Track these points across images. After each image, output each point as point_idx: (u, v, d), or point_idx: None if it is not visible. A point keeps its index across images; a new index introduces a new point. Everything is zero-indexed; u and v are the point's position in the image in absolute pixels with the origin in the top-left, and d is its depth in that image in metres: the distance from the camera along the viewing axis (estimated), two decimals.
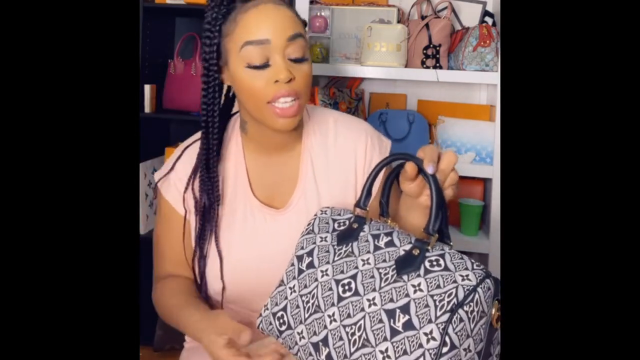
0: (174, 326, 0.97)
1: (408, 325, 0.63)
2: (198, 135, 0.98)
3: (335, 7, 1.79)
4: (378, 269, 0.70)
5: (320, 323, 0.70)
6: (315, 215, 0.82)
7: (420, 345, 0.62)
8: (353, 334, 0.67)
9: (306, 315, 0.72)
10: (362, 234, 0.75)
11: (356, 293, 0.69)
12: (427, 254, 0.68)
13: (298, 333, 0.73)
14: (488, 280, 0.64)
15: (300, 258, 0.78)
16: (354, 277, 0.70)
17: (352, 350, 0.66)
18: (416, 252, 0.68)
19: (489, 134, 1.71)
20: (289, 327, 0.74)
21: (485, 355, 0.65)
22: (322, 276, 0.73)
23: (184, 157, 0.98)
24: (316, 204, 0.94)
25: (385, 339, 0.64)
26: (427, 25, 1.69)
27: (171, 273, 0.99)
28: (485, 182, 1.80)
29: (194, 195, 0.95)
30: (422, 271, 0.66)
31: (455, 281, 0.64)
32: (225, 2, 0.88)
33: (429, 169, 0.71)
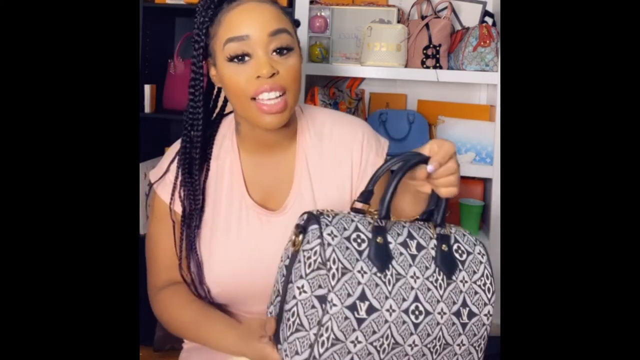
0: (189, 339, 0.96)
1: (471, 315, 0.74)
2: None
3: (335, 7, 1.79)
4: (427, 278, 0.73)
5: (399, 354, 0.71)
6: (321, 241, 0.70)
7: (483, 324, 0.75)
8: (434, 346, 0.73)
9: (382, 356, 0.70)
10: (391, 246, 0.73)
11: (427, 313, 0.72)
12: (450, 244, 0.76)
13: None
14: (484, 245, 0.79)
15: (353, 307, 0.68)
16: (416, 299, 0.71)
17: (435, 357, 0.73)
18: (445, 248, 0.75)
19: (489, 134, 1.71)
20: None
21: None
22: (390, 314, 0.70)
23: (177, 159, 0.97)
24: (312, 205, 0.93)
25: (459, 334, 0.74)
26: (427, 25, 1.69)
27: (171, 279, 0.97)
28: (485, 182, 1.79)
29: (180, 201, 0.95)
30: (460, 265, 0.75)
31: (480, 262, 0.76)
32: (213, 5, 0.89)
33: (429, 169, 0.74)
